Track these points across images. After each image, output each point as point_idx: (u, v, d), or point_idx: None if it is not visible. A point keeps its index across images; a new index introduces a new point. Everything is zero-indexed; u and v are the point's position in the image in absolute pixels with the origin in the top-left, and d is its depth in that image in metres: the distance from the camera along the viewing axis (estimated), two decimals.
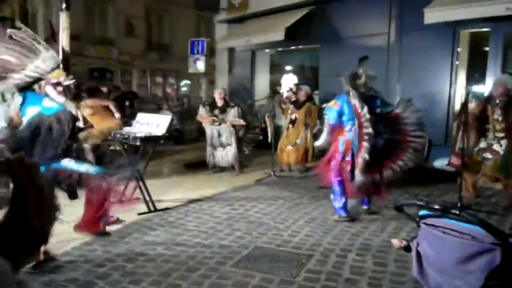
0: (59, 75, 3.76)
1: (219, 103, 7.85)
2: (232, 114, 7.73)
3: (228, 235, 4.58)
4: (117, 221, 5.03)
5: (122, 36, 22.10)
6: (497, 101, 5.61)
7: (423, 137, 5.39)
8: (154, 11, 23.33)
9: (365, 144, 4.93)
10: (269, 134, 8.05)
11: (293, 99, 8.18)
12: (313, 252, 4.11)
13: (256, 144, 8.44)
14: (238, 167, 7.98)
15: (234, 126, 7.76)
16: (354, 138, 5.02)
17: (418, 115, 5.32)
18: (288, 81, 12.46)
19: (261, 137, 8.56)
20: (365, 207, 5.48)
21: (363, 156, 4.91)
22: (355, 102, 5.05)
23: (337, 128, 5.20)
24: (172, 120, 5.82)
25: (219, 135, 7.75)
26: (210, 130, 7.85)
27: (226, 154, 7.79)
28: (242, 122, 7.78)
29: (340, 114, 5.11)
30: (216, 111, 7.78)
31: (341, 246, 4.28)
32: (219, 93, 7.99)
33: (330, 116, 5.21)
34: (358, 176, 4.95)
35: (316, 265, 3.82)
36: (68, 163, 3.64)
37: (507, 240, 1.95)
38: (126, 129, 5.95)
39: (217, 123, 7.74)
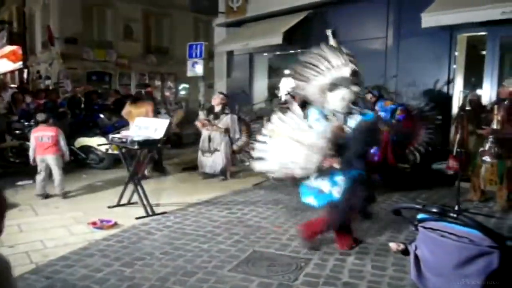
0: None
1: (216, 108, 7.75)
2: (223, 121, 7.61)
3: (226, 239, 4.58)
4: (115, 225, 5.03)
5: (121, 40, 22.12)
6: (505, 102, 5.63)
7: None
8: (153, 14, 23.34)
9: None
10: None
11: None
12: (311, 256, 4.10)
13: None
14: (228, 174, 7.81)
15: (227, 131, 7.63)
16: None
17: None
18: (286, 85, 12.49)
19: None
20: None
21: None
22: None
23: None
24: (170, 123, 5.82)
25: (209, 140, 7.65)
26: (203, 134, 7.74)
27: (213, 161, 7.64)
28: (222, 128, 7.57)
29: None
30: (211, 116, 7.70)
31: (340, 250, 4.26)
32: (214, 98, 7.89)
33: None
34: None
35: (315, 269, 3.82)
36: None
37: (505, 243, 1.96)
38: (124, 133, 5.96)
39: (207, 127, 7.64)
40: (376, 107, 7.16)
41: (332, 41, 4.45)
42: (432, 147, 6.84)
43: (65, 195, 6.41)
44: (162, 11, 23.38)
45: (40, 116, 6.54)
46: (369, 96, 7.32)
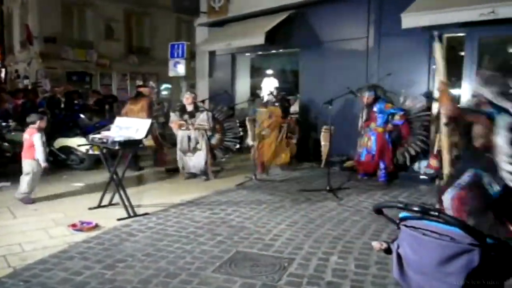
0: None
1: (189, 108, 7.69)
2: (201, 118, 7.57)
3: (209, 240, 4.55)
4: (96, 227, 4.96)
5: (101, 39, 21.88)
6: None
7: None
8: (134, 14, 23.16)
9: None
10: (250, 138, 8.03)
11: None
12: (295, 256, 4.10)
13: (233, 152, 8.45)
14: (210, 173, 7.78)
15: (205, 130, 7.63)
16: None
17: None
18: (269, 84, 12.53)
19: (238, 146, 8.56)
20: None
21: None
22: None
23: None
24: (152, 124, 5.76)
25: (189, 139, 7.59)
26: (180, 134, 7.68)
27: (196, 160, 7.62)
28: (206, 126, 7.59)
29: None
30: (186, 116, 7.63)
31: (323, 249, 4.28)
32: (186, 98, 7.82)
33: None
34: None
35: (298, 269, 3.82)
36: None
37: (485, 241, 1.97)
38: (105, 133, 5.88)
39: (184, 128, 7.58)
40: (374, 108, 7.25)
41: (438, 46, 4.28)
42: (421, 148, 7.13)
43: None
44: (143, 11, 23.22)
45: (28, 118, 6.29)
46: (366, 96, 7.39)
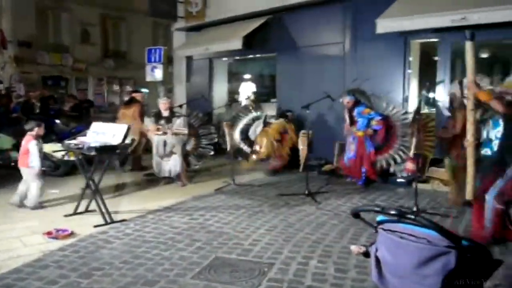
0: None
1: (164, 113, 7.62)
2: (177, 124, 7.52)
3: (188, 246, 4.51)
4: (72, 234, 4.87)
5: (77, 43, 21.54)
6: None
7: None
8: (110, 18, 22.88)
9: None
10: (227, 142, 8.01)
11: None
12: (274, 261, 4.10)
13: (207, 158, 8.42)
14: (185, 178, 7.71)
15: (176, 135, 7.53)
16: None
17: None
18: (246, 89, 12.55)
19: (212, 152, 8.56)
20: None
21: None
22: None
23: None
24: (129, 129, 5.69)
25: (165, 144, 7.51)
26: (156, 139, 7.60)
27: (173, 164, 7.53)
28: (185, 131, 7.57)
29: None
30: (162, 121, 7.55)
31: (302, 254, 4.29)
32: (163, 103, 7.74)
33: None
34: None
35: (278, 274, 3.81)
36: None
37: (461, 243, 2.01)
38: (81, 139, 5.79)
39: (161, 133, 7.49)
40: (353, 113, 7.31)
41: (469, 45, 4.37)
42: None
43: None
44: (120, 15, 22.97)
45: (26, 125, 6.27)
46: (346, 100, 7.45)
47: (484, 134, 4.81)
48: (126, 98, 10.28)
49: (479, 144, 4.81)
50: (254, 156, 8.58)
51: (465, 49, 4.36)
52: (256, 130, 8.74)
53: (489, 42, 8.75)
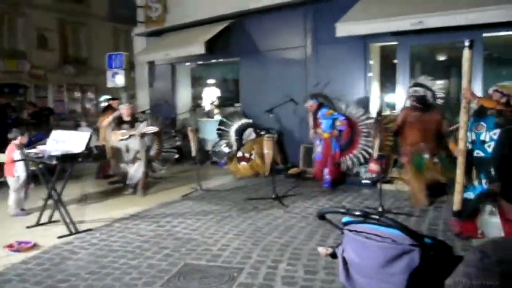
0: None
1: (126, 118, 7.43)
2: (141, 127, 7.37)
3: (156, 254, 4.47)
4: (35, 246, 4.73)
5: (34, 49, 20.90)
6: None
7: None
8: (69, 23, 22.34)
9: None
10: (193, 148, 7.96)
11: None
12: (243, 265, 4.11)
13: (170, 162, 8.35)
14: (142, 187, 7.45)
15: (143, 136, 7.38)
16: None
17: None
18: (210, 94, 12.53)
19: (177, 156, 8.52)
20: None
21: None
22: None
23: None
24: (91, 136, 5.58)
25: (127, 150, 7.34)
26: (119, 145, 7.39)
27: (135, 170, 7.35)
28: (155, 129, 7.47)
29: None
30: (125, 126, 7.38)
31: (272, 257, 4.31)
32: (126, 109, 7.51)
33: None
34: None
35: (248, 278, 3.83)
36: None
37: (423, 241, 2.08)
38: (41, 148, 5.65)
39: (125, 137, 7.30)
40: (318, 116, 7.43)
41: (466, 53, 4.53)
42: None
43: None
44: (78, 20, 22.48)
45: (9, 134, 6.20)
46: (309, 104, 7.54)
47: (473, 136, 4.95)
48: (103, 106, 10.12)
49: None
50: (244, 163, 8.75)
51: (463, 57, 4.52)
52: (249, 136, 9.02)
53: (446, 45, 9.08)
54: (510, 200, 3.86)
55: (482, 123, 4.82)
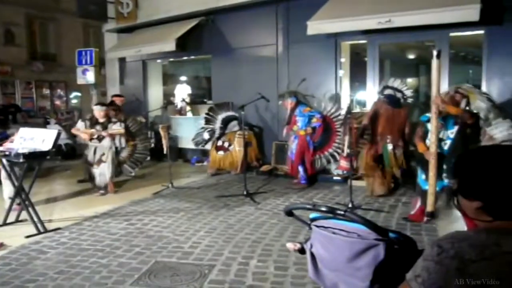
0: None
1: (101, 120, 7.29)
2: (109, 127, 7.25)
3: (127, 252, 4.43)
4: (1, 246, 4.63)
5: (1, 45, 20.32)
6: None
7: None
8: (37, 18, 21.77)
9: None
10: (164, 145, 7.90)
11: None
12: (215, 262, 4.13)
13: (142, 164, 8.23)
14: (111, 187, 7.34)
15: (113, 138, 7.31)
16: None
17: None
18: (182, 91, 12.46)
19: (148, 157, 8.45)
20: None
21: None
22: None
23: None
24: (59, 134, 5.48)
25: (95, 152, 7.22)
26: (89, 146, 7.29)
27: (101, 173, 7.21)
28: (121, 130, 7.32)
29: None
30: (98, 127, 7.24)
31: (243, 254, 4.34)
32: (99, 111, 7.30)
33: None
34: None
35: (219, 275, 3.84)
36: None
37: (388, 235, 2.13)
38: (8, 145, 5.52)
39: (95, 136, 7.19)
40: (295, 113, 7.46)
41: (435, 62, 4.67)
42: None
43: None
44: (47, 15, 21.91)
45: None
46: (288, 102, 7.57)
47: None
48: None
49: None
50: (221, 152, 8.76)
51: (432, 66, 4.68)
52: (233, 127, 8.99)
53: (415, 44, 9.28)
54: (466, 195, 4.01)
55: (441, 122, 5.02)
